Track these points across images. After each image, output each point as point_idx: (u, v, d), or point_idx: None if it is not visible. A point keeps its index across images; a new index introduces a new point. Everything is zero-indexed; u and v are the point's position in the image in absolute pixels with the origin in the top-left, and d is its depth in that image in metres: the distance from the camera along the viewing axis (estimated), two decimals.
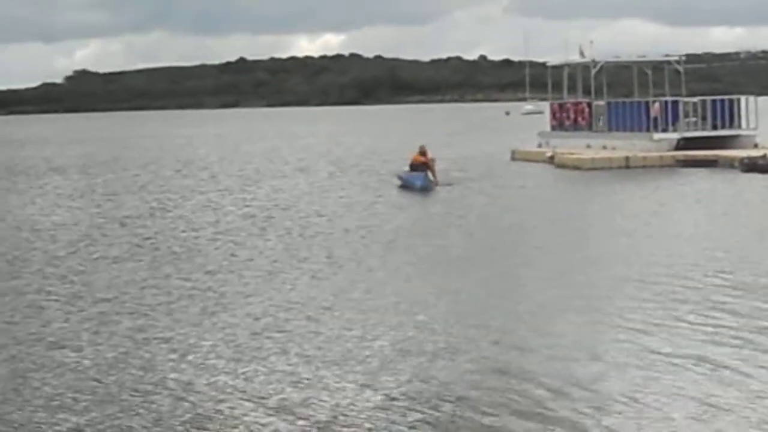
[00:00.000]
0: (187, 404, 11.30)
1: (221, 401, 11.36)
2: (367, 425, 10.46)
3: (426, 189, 35.98)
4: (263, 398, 11.45)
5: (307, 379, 12.12)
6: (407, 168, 38.53)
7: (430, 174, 37.41)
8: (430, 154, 38.48)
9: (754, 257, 19.93)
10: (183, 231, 26.65)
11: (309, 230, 25.91)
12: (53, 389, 12.07)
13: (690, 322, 14.39)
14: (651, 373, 11.88)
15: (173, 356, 13.37)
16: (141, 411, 11.10)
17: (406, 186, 37.09)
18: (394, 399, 11.24)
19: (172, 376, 12.43)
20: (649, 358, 12.55)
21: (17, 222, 29.52)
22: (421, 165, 37.75)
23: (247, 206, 32.24)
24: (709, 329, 13.91)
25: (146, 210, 31.92)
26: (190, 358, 13.26)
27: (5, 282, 19.46)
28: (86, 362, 13.26)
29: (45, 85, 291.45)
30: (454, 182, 38.32)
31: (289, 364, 12.78)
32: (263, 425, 10.56)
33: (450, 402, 11.07)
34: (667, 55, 53.15)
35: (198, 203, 33.72)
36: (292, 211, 30.54)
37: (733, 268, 18.60)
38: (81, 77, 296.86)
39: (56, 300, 17.58)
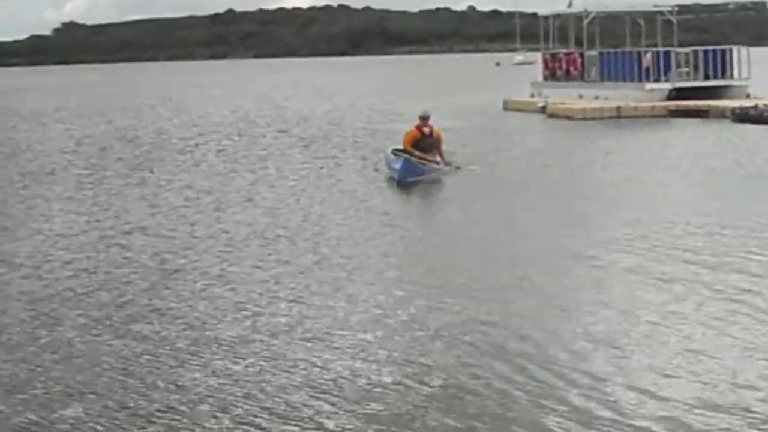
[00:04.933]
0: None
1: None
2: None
3: (407, 176, 24.62)
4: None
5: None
6: (400, 146, 26.92)
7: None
8: (431, 118, 27.19)
9: (741, 204, 20.25)
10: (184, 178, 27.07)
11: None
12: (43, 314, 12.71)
13: (669, 264, 14.79)
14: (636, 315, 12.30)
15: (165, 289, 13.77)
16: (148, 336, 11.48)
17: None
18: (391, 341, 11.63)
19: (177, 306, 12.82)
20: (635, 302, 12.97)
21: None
22: (426, 137, 26.55)
23: (246, 154, 32.60)
24: (692, 270, 14.35)
25: (143, 161, 32.22)
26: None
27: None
28: (82, 290, 14.02)
29: (33, 37, 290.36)
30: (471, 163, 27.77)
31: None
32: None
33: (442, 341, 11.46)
34: (657, 6, 53.30)
35: (196, 153, 34.03)
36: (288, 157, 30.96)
37: (720, 216, 18.92)
38: (69, 29, 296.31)
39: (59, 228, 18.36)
